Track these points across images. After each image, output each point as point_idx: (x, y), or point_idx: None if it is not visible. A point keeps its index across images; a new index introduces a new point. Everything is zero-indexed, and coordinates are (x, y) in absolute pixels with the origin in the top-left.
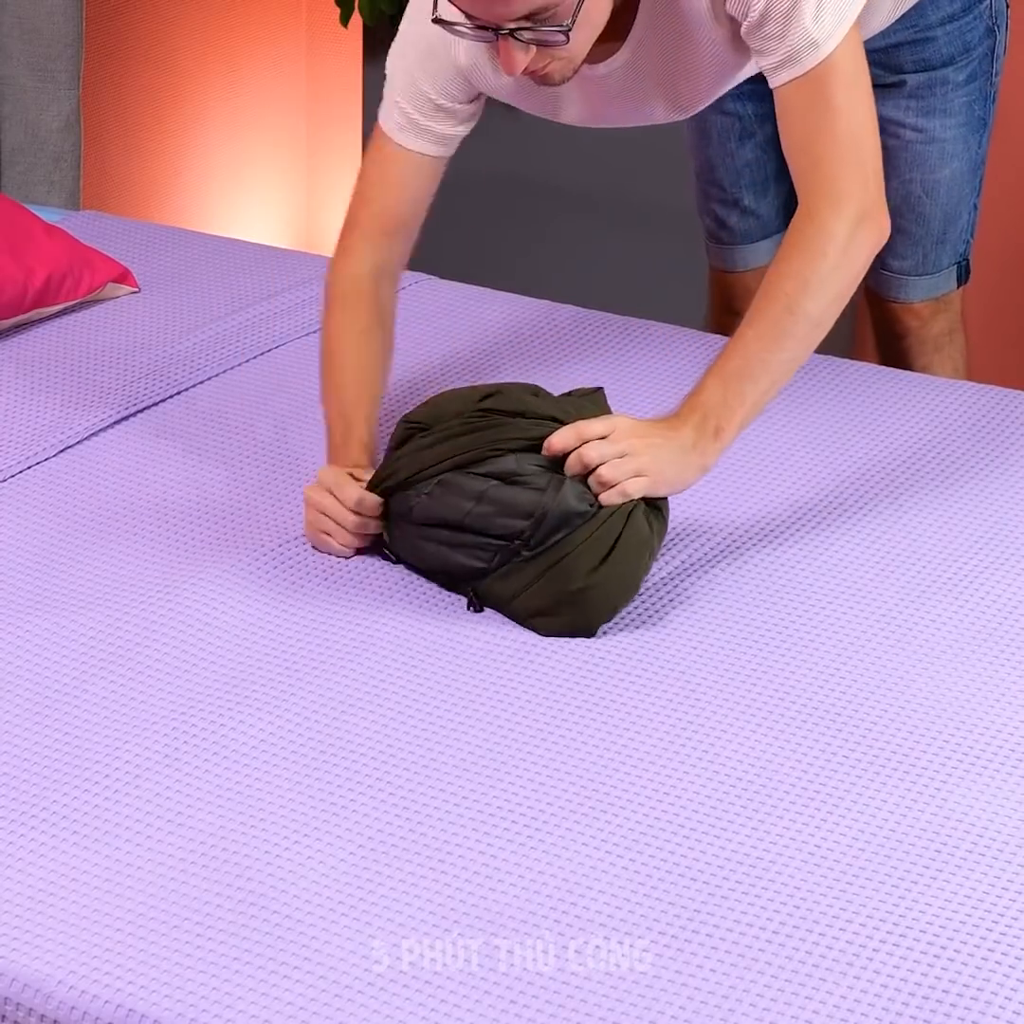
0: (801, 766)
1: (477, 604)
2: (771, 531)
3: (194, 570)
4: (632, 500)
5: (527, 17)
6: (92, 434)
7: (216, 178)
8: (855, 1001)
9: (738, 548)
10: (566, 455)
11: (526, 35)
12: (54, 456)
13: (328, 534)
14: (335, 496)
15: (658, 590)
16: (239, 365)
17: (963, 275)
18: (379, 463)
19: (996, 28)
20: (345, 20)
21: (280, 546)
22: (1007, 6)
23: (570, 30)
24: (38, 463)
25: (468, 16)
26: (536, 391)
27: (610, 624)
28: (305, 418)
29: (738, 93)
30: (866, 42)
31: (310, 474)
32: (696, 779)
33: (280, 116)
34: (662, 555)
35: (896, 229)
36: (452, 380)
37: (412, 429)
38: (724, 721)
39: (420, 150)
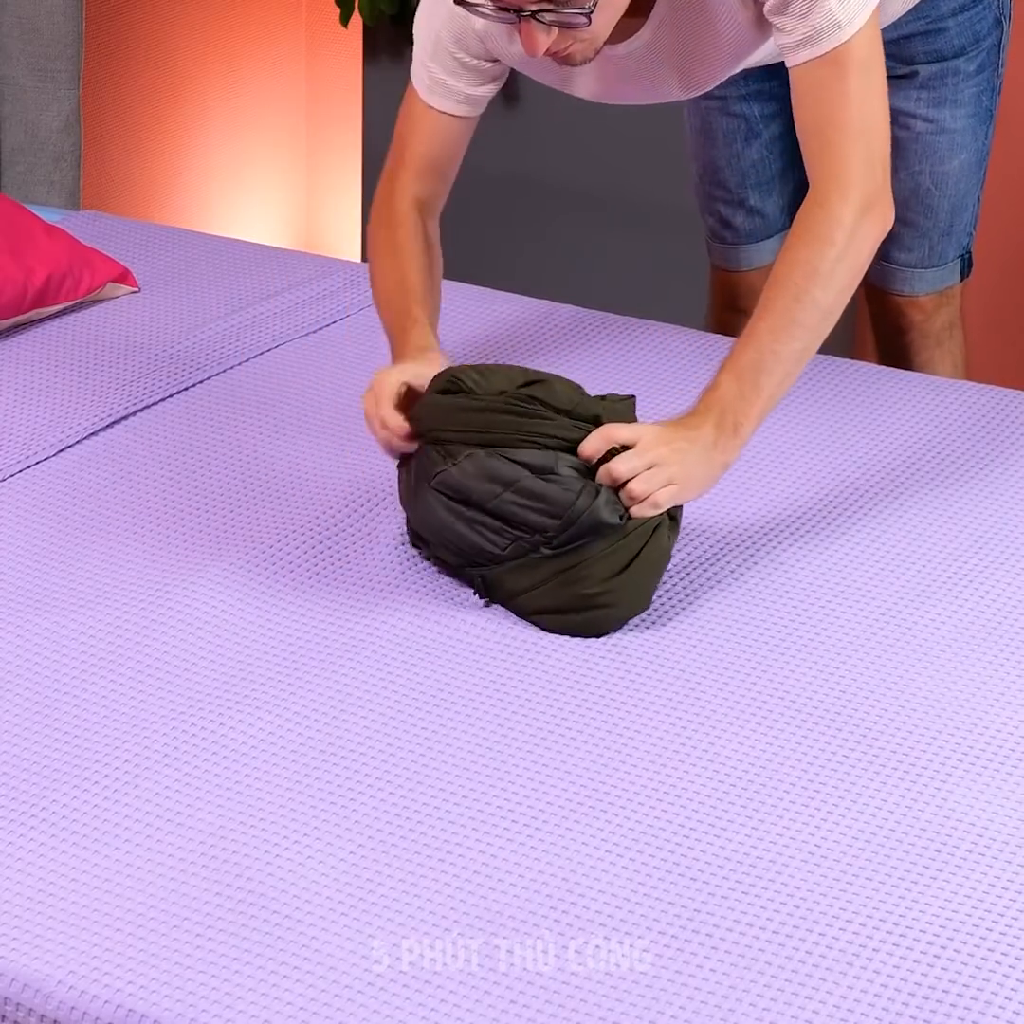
0: (801, 766)
1: (483, 593)
2: (771, 531)
3: (194, 570)
4: (659, 515)
5: None
6: (92, 434)
7: (216, 178)
8: (855, 1001)
9: (738, 548)
10: (598, 462)
11: (548, 17)
12: (54, 456)
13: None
14: (375, 403)
15: (659, 590)
16: (239, 365)
17: (966, 269)
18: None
19: (1003, 19)
20: (345, 20)
21: (280, 545)
22: None
23: (592, 12)
24: (38, 463)
25: None
26: (582, 391)
27: (608, 632)
28: (305, 418)
29: (744, 94)
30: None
31: (310, 474)
32: (696, 779)
33: (280, 116)
34: None
35: (903, 221)
36: None
37: (453, 386)
38: (724, 721)
39: (448, 110)
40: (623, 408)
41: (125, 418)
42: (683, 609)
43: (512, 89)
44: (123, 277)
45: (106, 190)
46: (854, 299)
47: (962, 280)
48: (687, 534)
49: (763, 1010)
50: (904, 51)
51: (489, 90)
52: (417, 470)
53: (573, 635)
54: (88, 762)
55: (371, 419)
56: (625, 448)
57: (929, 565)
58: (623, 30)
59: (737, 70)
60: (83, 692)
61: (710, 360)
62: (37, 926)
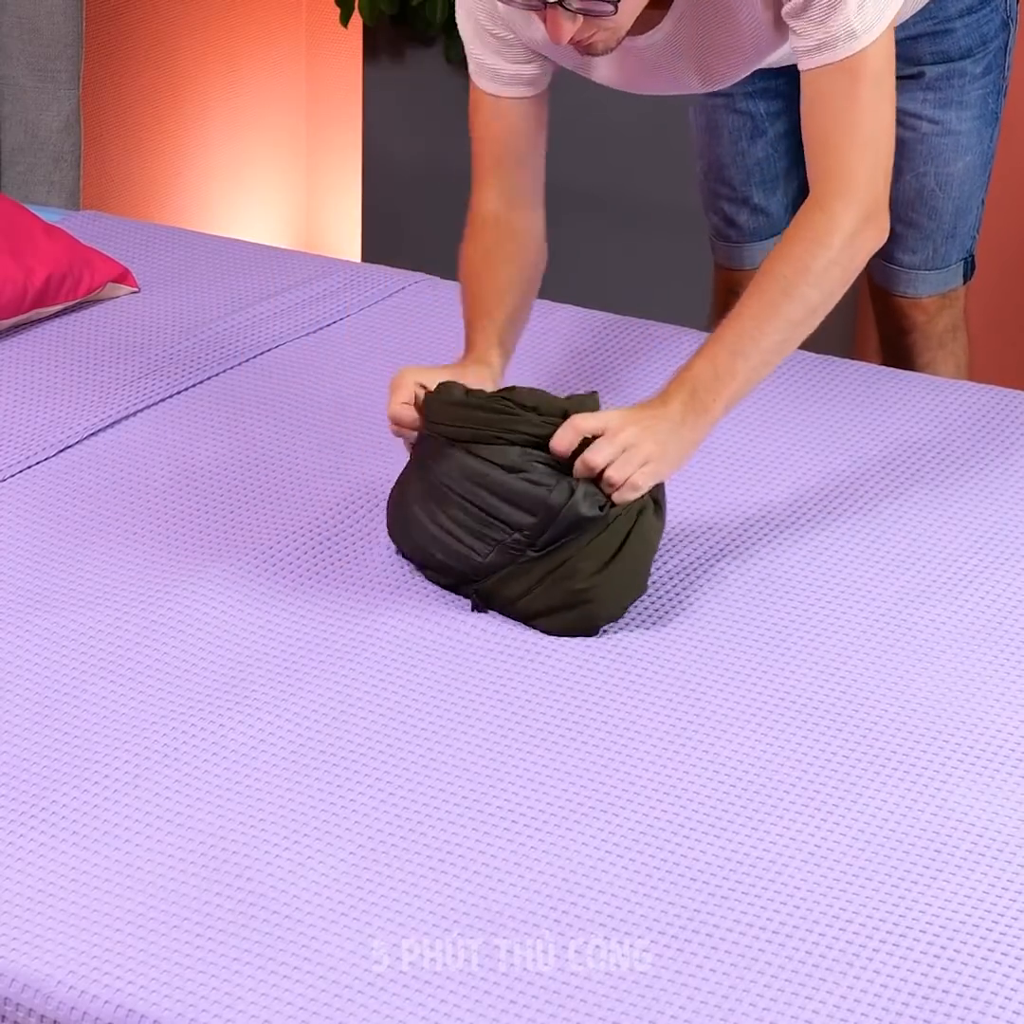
0: (801, 766)
1: (481, 606)
2: (771, 531)
3: (194, 570)
4: (642, 499)
5: None
6: (92, 434)
7: (216, 178)
8: (855, 1001)
9: (738, 548)
10: (572, 458)
11: (575, 4)
12: (54, 456)
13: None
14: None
15: (658, 590)
16: (239, 365)
17: (969, 271)
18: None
19: (1010, 22)
20: (345, 20)
21: (280, 546)
22: (1019, 1)
23: (619, 1)
24: (38, 463)
25: None
26: (544, 392)
27: (610, 623)
28: (305, 418)
29: (750, 91)
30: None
31: (310, 474)
32: (696, 779)
33: (280, 116)
34: (662, 555)
35: (908, 223)
36: None
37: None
38: (724, 721)
39: (501, 93)
40: (590, 403)
41: (125, 418)
42: (683, 609)
43: None
44: (123, 277)
45: (106, 190)
46: (855, 300)
47: (965, 283)
48: (687, 534)
49: (763, 1010)
50: (911, 52)
51: (537, 69)
52: (404, 487)
53: (574, 634)
54: (88, 762)
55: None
56: (596, 438)
57: (929, 565)
58: (644, 22)
59: (758, 67)
60: (83, 693)
61: None
62: (37, 926)
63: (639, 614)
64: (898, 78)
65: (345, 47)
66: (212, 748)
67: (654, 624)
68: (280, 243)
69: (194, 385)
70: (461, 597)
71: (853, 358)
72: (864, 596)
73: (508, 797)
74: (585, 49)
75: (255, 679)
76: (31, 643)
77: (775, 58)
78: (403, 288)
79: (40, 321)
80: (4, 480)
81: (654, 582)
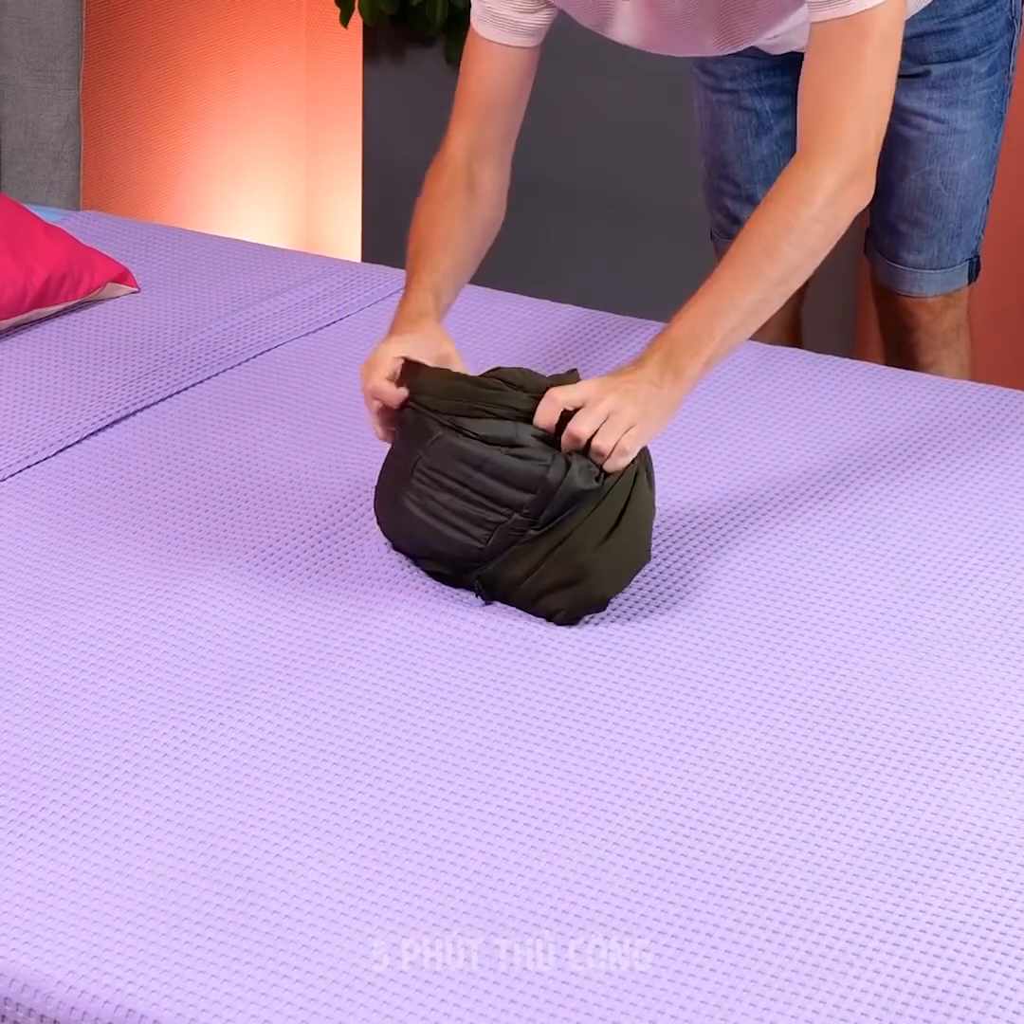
0: (801, 765)
1: (486, 595)
2: (771, 529)
3: (194, 570)
4: (634, 465)
5: None
6: (92, 434)
7: (216, 178)
8: (855, 1001)
9: (739, 546)
10: (560, 433)
11: None
12: (54, 455)
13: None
14: (367, 375)
15: (658, 588)
16: (239, 365)
17: (974, 272)
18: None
19: (1015, 22)
20: (345, 20)
21: (280, 545)
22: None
23: None
24: (38, 462)
25: None
26: (529, 371)
27: (609, 622)
28: (305, 418)
29: (755, 88)
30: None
31: (310, 473)
32: (696, 778)
33: (280, 116)
34: (662, 552)
35: (912, 222)
36: None
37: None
38: (724, 720)
39: (500, 40)
40: (569, 380)
41: (125, 418)
42: (682, 608)
43: None
44: (123, 277)
45: (106, 190)
46: (855, 300)
47: (970, 283)
48: (687, 533)
49: (763, 1010)
50: (917, 50)
51: (542, 18)
52: (391, 475)
53: (582, 611)
54: (88, 762)
55: (364, 391)
56: (578, 411)
57: (930, 564)
58: None
59: (775, 30)
60: (83, 692)
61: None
62: (37, 926)
63: (639, 611)
64: (904, 77)
65: (345, 47)
66: (212, 747)
67: (653, 622)
68: (280, 243)
69: (194, 385)
70: (460, 592)
71: (853, 358)
72: (865, 595)
73: (508, 796)
74: None
75: (255, 678)
76: (30, 643)
77: (798, 19)
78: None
79: (40, 321)
80: (4, 480)
81: (654, 579)
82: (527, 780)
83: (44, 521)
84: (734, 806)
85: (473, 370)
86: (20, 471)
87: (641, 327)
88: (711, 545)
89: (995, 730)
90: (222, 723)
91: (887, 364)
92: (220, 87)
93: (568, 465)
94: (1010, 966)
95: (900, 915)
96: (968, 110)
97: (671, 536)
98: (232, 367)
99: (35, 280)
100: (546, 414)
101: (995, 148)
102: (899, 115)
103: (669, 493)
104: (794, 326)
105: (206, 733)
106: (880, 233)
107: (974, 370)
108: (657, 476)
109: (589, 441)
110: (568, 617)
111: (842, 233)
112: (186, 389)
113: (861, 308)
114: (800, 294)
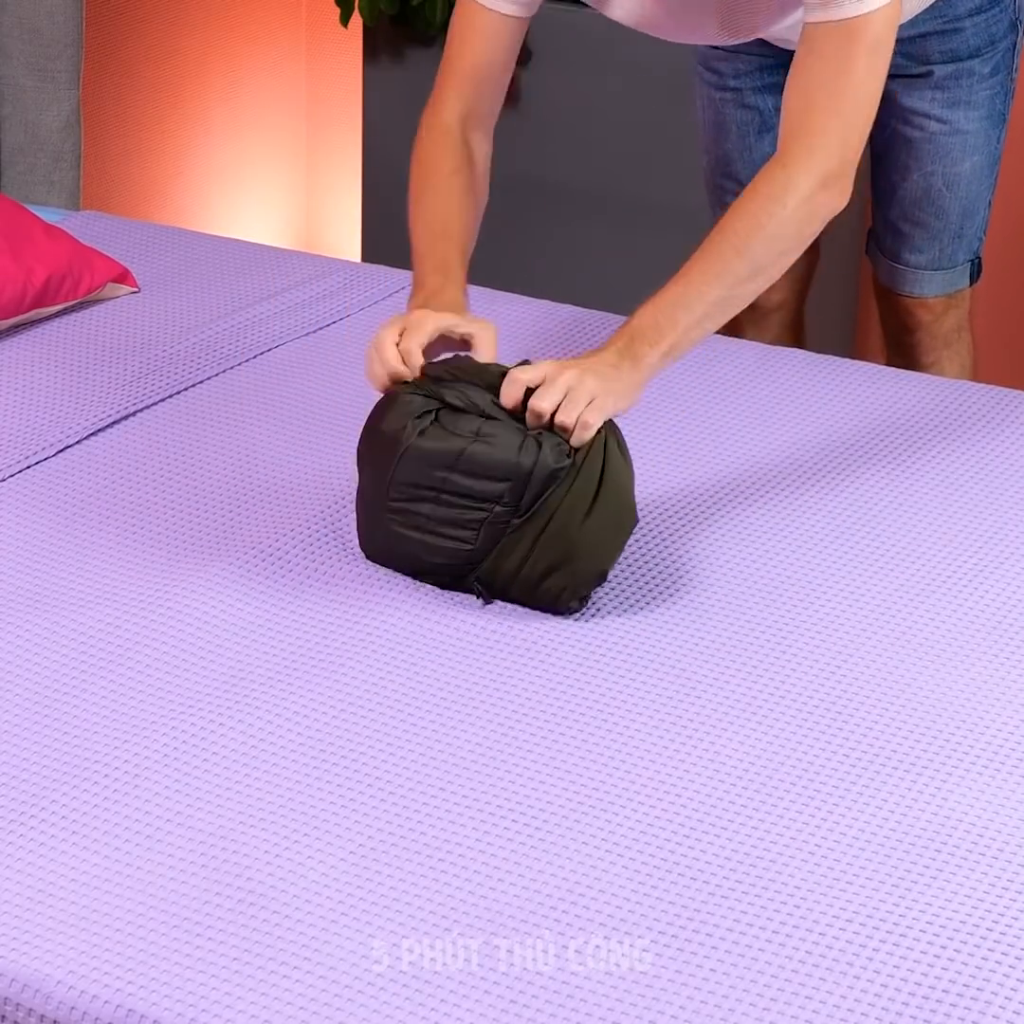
0: (801, 765)
1: (486, 595)
2: (771, 529)
3: (194, 569)
4: (601, 435)
5: None
6: (92, 434)
7: (216, 178)
8: (855, 1001)
9: (738, 546)
10: (524, 411)
11: None
12: (54, 456)
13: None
14: (394, 341)
15: (657, 588)
16: (239, 365)
17: (975, 273)
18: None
19: (1019, 23)
20: (345, 20)
21: (280, 545)
22: None
23: None
24: (38, 463)
25: None
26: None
27: (608, 621)
28: (305, 418)
29: (758, 87)
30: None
31: (310, 473)
32: (696, 778)
33: (280, 116)
34: (662, 552)
35: (914, 222)
36: None
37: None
38: (724, 720)
39: (496, 7)
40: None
41: (125, 418)
42: (681, 607)
43: (514, 89)
44: (123, 277)
45: (106, 190)
46: (855, 300)
47: (971, 284)
48: (686, 532)
49: (763, 1010)
50: (920, 50)
51: None
52: (367, 507)
53: (587, 587)
54: (88, 762)
55: (384, 347)
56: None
57: (930, 564)
58: None
59: (777, 26)
60: (83, 692)
61: (712, 361)
62: (37, 926)
63: (637, 611)
64: (906, 76)
65: (345, 47)
66: (212, 747)
67: (652, 622)
68: (280, 243)
69: (194, 385)
70: (460, 593)
71: (853, 358)
72: (864, 595)
73: (508, 796)
74: None
75: (255, 678)
76: (30, 642)
77: (794, 19)
78: (403, 288)
79: (40, 321)
80: (4, 480)
81: (653, 579)
82: (527, 780)
83: (44, 521)
84: (734, 806)
85: None
86: (20, 471)
87: None
88: (711, 545)
89: (995, 730)
90: (222, 723)
91: (888, 364)
92: (220, 87)
93: (539, 447)
94: (1010, 966)
95: (900, 915)
96: (970, 111)
97: (671, 536)
98: (232, 367)
99: (35, 280)
100: (510, 393)
101: (997, 149)
102: (901, 115)
103: (669, 493)
104: (795, 326)
105: (206, 733)
106: (882, 233)
107: (975, 371)
108: (657, 476)
109: (552, 419)
110: (574, 596)
111: (815, 235)
112: (186, 389)
113: (861, 308)
114: (801, 294)
